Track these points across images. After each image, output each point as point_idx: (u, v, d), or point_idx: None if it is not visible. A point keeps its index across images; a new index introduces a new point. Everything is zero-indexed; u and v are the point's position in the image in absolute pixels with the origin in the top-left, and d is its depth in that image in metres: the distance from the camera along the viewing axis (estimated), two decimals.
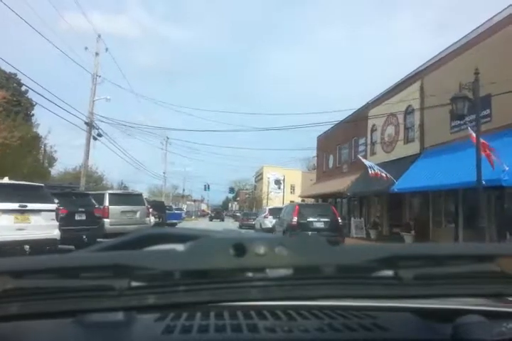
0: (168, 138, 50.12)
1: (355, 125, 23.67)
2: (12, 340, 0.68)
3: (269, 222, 20.68)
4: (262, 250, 0.53)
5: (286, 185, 53.84)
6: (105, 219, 12.45)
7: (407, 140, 17.85)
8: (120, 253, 0.60)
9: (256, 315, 0.79)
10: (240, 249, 0.53)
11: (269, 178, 58.54)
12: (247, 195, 75.52)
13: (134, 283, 0.55)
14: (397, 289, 0.58)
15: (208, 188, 65.82)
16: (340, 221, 14.22)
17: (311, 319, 0.78)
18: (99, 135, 23.75)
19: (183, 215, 39.10)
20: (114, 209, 12.90)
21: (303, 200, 35.55)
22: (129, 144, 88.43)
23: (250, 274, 0.56)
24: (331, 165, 28.59)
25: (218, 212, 56.43)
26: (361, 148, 23.02)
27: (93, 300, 0.54)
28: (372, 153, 21.37)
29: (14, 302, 0.54)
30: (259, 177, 66.70)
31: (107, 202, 12.85)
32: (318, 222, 13.75)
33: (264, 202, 53.04)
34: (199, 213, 71.55)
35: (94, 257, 0.61)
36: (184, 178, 72.78)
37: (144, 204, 14.21)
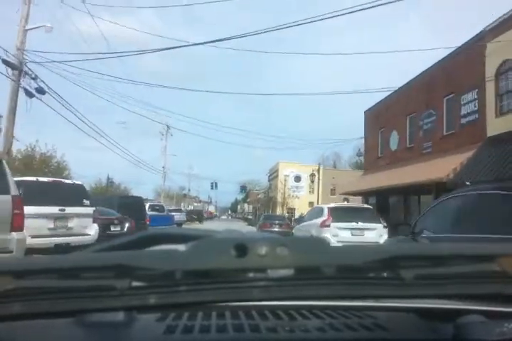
0: (168, 127, 42.08)
1: (450, 74, 14.55)
2: (13, 340, 0.67)
3: (333, 235, 10.08)
4: (263, 250, 0.53)
5: (305, 183, 46.04)
6: None
7: None
8: (122, 253, 0.61)
9: (257, 315, 0.78)
10: (242, 249, 0.53)
11: (286, 176, 49.83)
12: (259, 196, 66.72)
13: (136, 283, 0.55)
14: (398, 289, 0.59)
15: (216, 187, 57.19)
16: None
17: (312, 319, 0.78)
18: (40, 91, 14.47)
19: (182, 218, 29.56)
20: None
21: (345, 199, 26.64)
22: (123, 138, 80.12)
23: (252, 274, 0.56)
24: (394, 146, 19.44)
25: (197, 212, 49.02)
26: (466, 109, 13.90)
27: (94, 300, 0.55)
28: (501, 113, 12.25)
29: (16, 302, 0.55)
30: (273, 174, 57.78)
31: None
32: None
33: (289, 201, 44.22)
34: (205, 215, 63.55)
35: (96, 257, 0.61)
36: (189, 175, 64.66)
37: (8, 192, 5.21)
